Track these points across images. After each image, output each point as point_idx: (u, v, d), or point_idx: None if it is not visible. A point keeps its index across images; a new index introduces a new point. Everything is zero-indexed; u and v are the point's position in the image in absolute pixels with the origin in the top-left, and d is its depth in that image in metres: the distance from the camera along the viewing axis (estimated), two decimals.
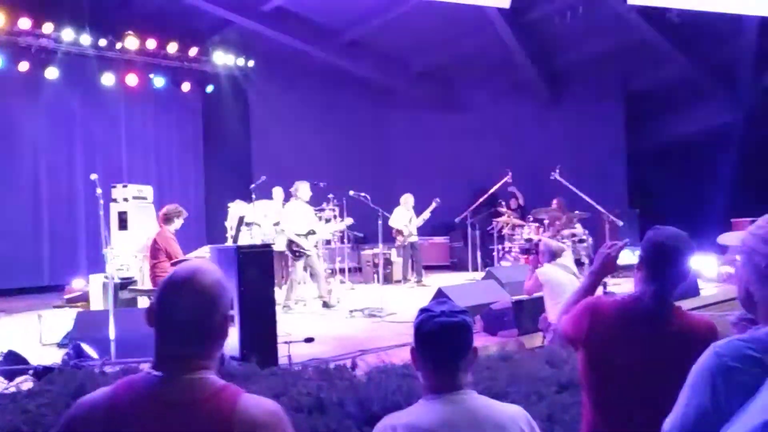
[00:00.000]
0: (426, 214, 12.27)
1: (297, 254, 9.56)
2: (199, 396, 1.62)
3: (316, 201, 10.82)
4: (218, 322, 1.71)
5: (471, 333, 2.16)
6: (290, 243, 9.56)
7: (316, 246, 9.94)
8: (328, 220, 10.94)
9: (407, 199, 12.27)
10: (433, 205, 12.21)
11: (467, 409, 2.05)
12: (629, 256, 3.10)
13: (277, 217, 10.45)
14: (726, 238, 1.92)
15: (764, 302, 1.61)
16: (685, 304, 8.39)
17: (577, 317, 2.68)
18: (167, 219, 7.82)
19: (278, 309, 9.01)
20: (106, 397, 1.64)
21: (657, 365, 2.45)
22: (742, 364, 1.50)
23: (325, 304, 9.53)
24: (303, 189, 9.83)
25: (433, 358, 2.12)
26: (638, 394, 2.48)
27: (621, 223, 10.75)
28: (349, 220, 10.22)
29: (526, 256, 10.97)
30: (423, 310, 2.18)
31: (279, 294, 8.92)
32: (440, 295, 7.55)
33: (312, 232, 9.67)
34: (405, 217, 12.15)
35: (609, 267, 2.89)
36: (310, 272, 9.87)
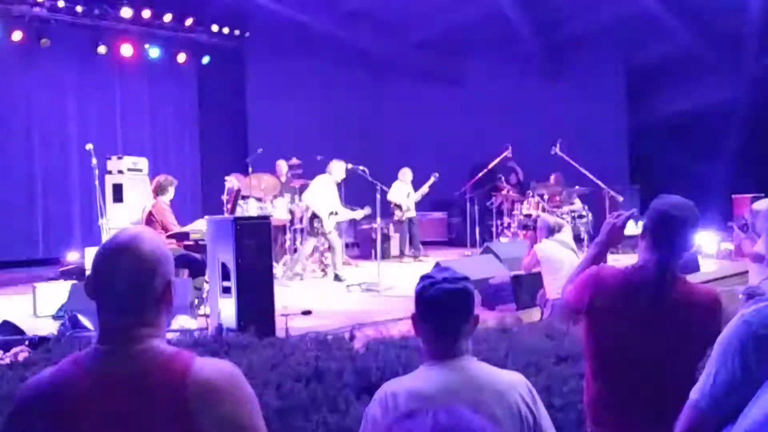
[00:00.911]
0: (424, 189, 12.20)
1: (314, 230, 9.54)
2: (147, 366, 1.54)
3: (312, 174, 10.74)
4: (160, 287, 1.62)
5: (473, 299, 2.16)
6: (312, 217, 9.53)
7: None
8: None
9: (405, 174, 12.19)
10: (432, 179, 12.13)
11: (468, 375, 2.05)
12: (634, 227, 3.04)
13: (273, 190, 10.37)
14: (760, 204, 1.89)
15: None
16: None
17: (580, 286, 2.68)
18: (161, 189, 7.78)
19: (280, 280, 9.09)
20: (51, 376, 1.56)
21: (660, 334, 2.46)
22: None
23: (337, 277, 9.52)
24: (337, 168, 9.83)
25: (434, 324, 2.11)
26: (642, 362, 2.50)
27: (621, 199, 10.70)
28: (367, 210, 10.15)
29: (525, 232, 10.94)
30: (424, 277, 2.16)
31: (275, 267, 8.89)
32: None
33: (334, 213, 9.65)
34: (403, 192, 12.07)
35: (615, 237, 2.86)
36: (328, 246, 9.86)
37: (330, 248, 9.89)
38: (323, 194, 9.69)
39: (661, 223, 2.54)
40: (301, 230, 10.65)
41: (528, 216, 11.08)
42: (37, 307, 7.21)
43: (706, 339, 2.11)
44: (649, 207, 2.63)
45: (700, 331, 2.38)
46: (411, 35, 15.28)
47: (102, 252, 1.63)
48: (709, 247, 10.66)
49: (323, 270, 10.29)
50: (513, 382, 2.07)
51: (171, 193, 7.88)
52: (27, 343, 5.34)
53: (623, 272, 2.63)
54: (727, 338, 1.54)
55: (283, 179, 11.02)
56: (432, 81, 15.99)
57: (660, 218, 2.55)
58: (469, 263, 9.34)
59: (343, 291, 8.89)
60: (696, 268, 9.31)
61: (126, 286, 1.58)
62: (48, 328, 6.17)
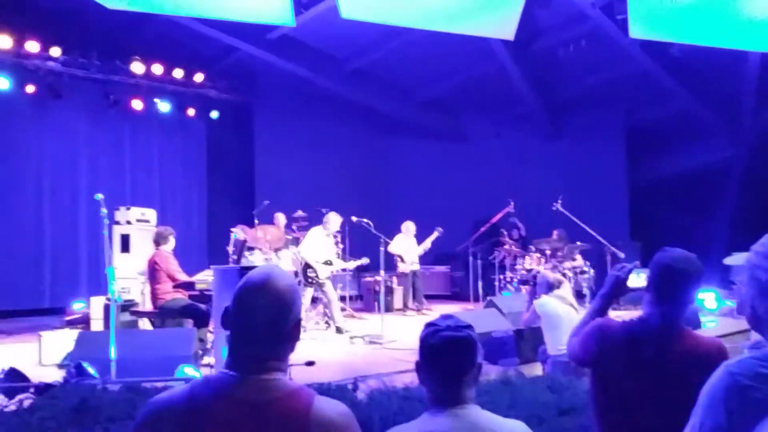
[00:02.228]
0: (427, 243, 12.29)
1: (309, 281, 9.60)
2: (274, 396, 1.68)
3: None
4: (292, 325, 1.78)
5: (476, 348, 2.19)
6: (305, 268, 9.59)
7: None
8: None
9: (408, 227, 12.30)
10: (435, 234, 12.23)
11: (471, 422, 2.07)
12: (637, 279, 3.11)
13: (279, 242, 10.48)
14: (732, 259, 1.95)
15: None
16: None
17: (585, 340, 2.72)
18: (162, 239, 7.90)
19: None
20: (185, 394, 1.69)
21: (666, 387, 2.47)
22: (756, 382, 1.51)
23: (339, 330, 9.53)
24: (333, 220, 9.97)
25: (438, 372, 2.14)
26: (648, 416, 2.50)
27: (622, 255, 10.76)
28: (365, 260, 10.24)
29: (525, 287, 10.98)
30: (429, 325, 2.21)
31: None
32: None
33: (329, 263, 9.73)
34: (406, 245, 12.17)
35: (618, 289, 2.91)
36: (322, 300, 9.93)
37: (329, 301, 9.92)
38: (316, 245, 9.78)
39: (665, 276, 2.58)
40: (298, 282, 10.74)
41: (529, 271, 11.14)
42: (43, 355, 7.24)
43: None
44: (652, 260, 2.66)
45: (706, 382, 2.41)
46: (415, 94, 15.57)
47: (243, 288, 1.77)
48: (710, 304, 10.67)
49: (327, 322, 10.32)
50: (515, 430, 2.10)
51: (172, 242, 7.99)
52: (32, 390, 5.36)
53: (628, 325, 2.66)
54: (711, 388, 1.57)
55: (281, 231, 11.13)
56: (436, 138, 16.25)
57: (664, 271, 2.59)
58: (471, 317, 9.33)
59: (346, 343, 8.90)
60: (697, 324, 9.31)
61: (264, 322, 1.73)
62: (53, 376, 6.19)
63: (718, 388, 1.55)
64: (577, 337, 2.80)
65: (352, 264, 10.41)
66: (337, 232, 11.15)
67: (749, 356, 1.58)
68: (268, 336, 1.73)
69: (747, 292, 1.68)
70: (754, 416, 1.46)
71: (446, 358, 2.13)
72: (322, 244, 9.85)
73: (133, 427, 1.71)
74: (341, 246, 11.26)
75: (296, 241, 11.01)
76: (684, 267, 2.57)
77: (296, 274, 10.32)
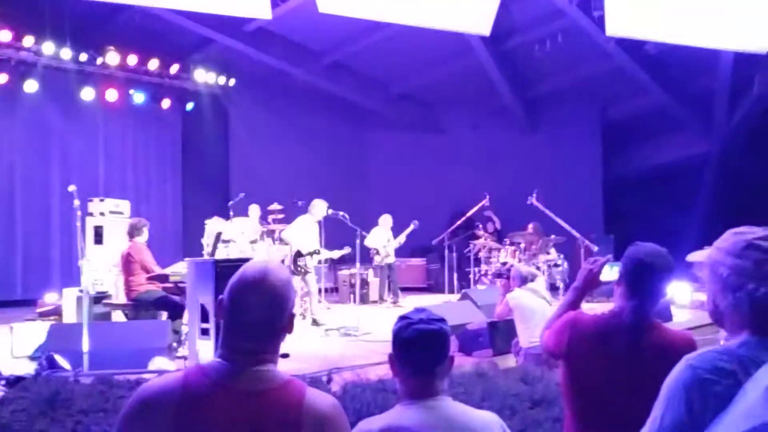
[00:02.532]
0: (402, 237, 12.33)
1: (299, 270, 9.56)
2: (268, 387, 1.71)
3: (294, 219, 10.83)
4: (286, 319, 1.81)
5: (448, 340, 2.20)
6: (296, 257, 9.56)
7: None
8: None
9: (386, 220, 12.34)
10: (411, 227, 12.27)
11: (443, 414, 2.09)
12: (610, 273, 3.14)
13: (254, 234, 10.43)
14: (694, 256, 1.98)
15: (730, 313, 1.66)
16: None
17: (558, 332, 2.74)
18: (136, 231, 7.86)
19: None
20: (179, 380, 1.71)
21: (636, 380, 2.48)
22: (716, 375, 1.54)
23: (315, 322, 9.52)
24: (318, 206, 9.89)
25: (410, 364, 2.16)
26: (618, 408, 2.51)
27: (596, 248, 10.87)
28: (347, 249, 10.23)
29: (499, 280, 11.04)
30: (402, 318, 2.23)
31: None
32: None
33: (317, 252, 9.70)
34: (383, 238, 12.20)
35: (591, 282, 2.95)
36: (305, 289, 9.90)
37: (308, 293, 9.91)
38: (304, 233, 9.76)
39: (637, 271, 2.61)
40: None
41: (503, 264, 11.21)
42: (15, 347, 7.15)
43: None
44: (624, 255, 2.70)
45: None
46: (392, 87, 15.61)
47: (239, 283, 1.80)
48: (681, 297, 10.80)
49: (302, 314, 10.30)
50: (487, 421, 2.12)
51: (146, 234, 7.94)
52: (3, 382, 5.32)
53: (600, 318, 2.69)
54: (672, 382, 1.60)
55: (256, 223, 11.08)
56: (412, 131, 16.28)
57: (635, 265, 2.62)
58: (447, 309, 9.40)
59: (321, 335, 8.90)
60: (669, 317, 9.41)
61: (260, 318, 1.76)
62: (25, 368, 6.13)
63: (678, 382, 1.58)
64: (550, 330, 2.83)
65: (337, 253, 10.40)
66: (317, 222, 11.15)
67: (709, 350, 1.61)
68: (262, 330, 1.76)
69: (708, 288, 1.72)
70: (714, 409, 1.49)
71: (419, 351, 2.14)
72: (308, 233, 9.80)
73: (123, 415, 1.71)
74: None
75: (271, 234, 10.98)
76: (655, 261, 2.61)
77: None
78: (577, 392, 2.68)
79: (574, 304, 2.93)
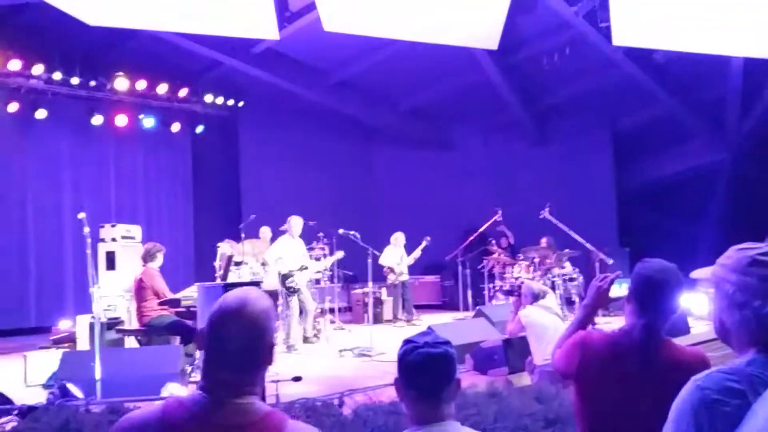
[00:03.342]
0: (417, 253, 12.29)
1: (290, 290, 9.53)
2: (247, 420, 1.70)
3: (306, 240, 10.83)
4: (265, 350, 1.78)
5: (454, 364, 2.18)
6: (284, 279, 9.52)
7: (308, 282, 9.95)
8: (318, 259, 10.91)
9: (398, 238, 12.30)
10: (424, 243, 12.23)
11: None
12: (620, 290, 3.10)
13: (266, 256, 10.43)
14: (698, 273, 1.95)
15: (736, 331, 1.64)
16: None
17: (568, 351, 2.72)
18: (149, 256, 7.89)
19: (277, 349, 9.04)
20: (157, 414, 1.70)
21: (648, 398, 2.46)
22: (724, 396, 1.52)
23: (306, 340, 9.48)
24: (295, 223, 9.87)
25: (416, 389, 2.14)
26: (630, 427, 2.49)
27: (611, 261, 10.79)
28: (340, 254, 10.21)
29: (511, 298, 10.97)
30: (407, 341, 2.21)
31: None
32: None
33: (304, 268, 9.67)
34: (396, 256, 12.17)
35: (601, 300, 2.92)
36: (299, 309, 9.85)
37: (301, 312, 9.83)
38: (283, 253, 9.69)
39: (646, 288, 2.59)
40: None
41: (516, 279, 11.15)
42: (28, 375, 7.16)
43: None
44: (632, 272, 2.67)
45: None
46: (400, 104, 15.63)
47: (218, 312, 1.78)
48: (699, 309, 10.66)
49: (316, 335, 10.26)
50: None
51: (160, 259, 7.95)
52: (16, 412, 5.30)
53: (611, 336, 2.68)
54: (681, 403, 1.58)
55: (267, 245, 11.07)
56: (422, 147, 16.29)
57: (644, 283, 2.60)
58: (461, 327, 9.36)
59: (335, 356, 8.86)
60: (686, 330, 9.31)
61: (238, 348, 1.74)
62: (38, 397, 6.13)
63: (686, 403, 1.57)
64: (561, 349, 2.80)
65: (330, 260, 10.37)
66: (326, 243, 11.13)
67: (717, 370, 1.59)
68: (242, 361, 1.73)
69: (714, 305, 1.71)
70: (723, 430, 1.47)
71: (424, 375, 2.12)
72: (290, 251, 9.74)
73: None
74: (325, 252, 11.16)
75: None
76: (664, 277, 2.59)
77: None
78: (589, 412, 2.66)
79: (584, 322, 2.91)
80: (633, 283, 2.65)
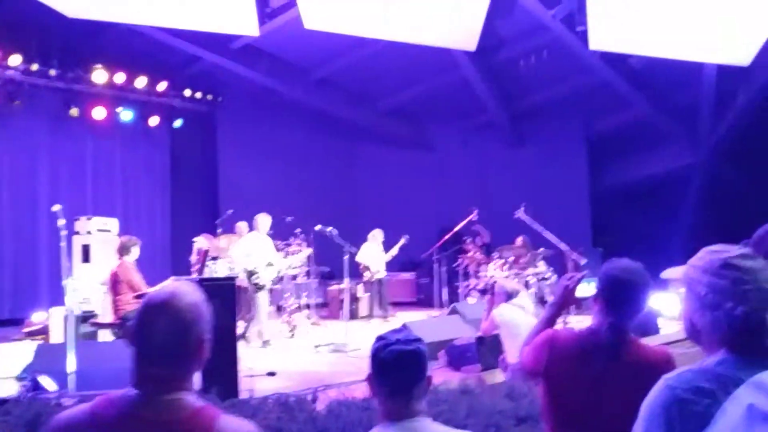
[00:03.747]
0: (394, 251, 12.36)
1: (257, 286, 9.52)
2: (176, 417, 1.67)
3: (283, 236, 10.85)
4: (194, 344, 1.75)
5: (425, 361, 2.22)
6: (250, 275, 9.51)
7: (280, 279, 9.92)
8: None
9: (376, 235, 12.34)
10: (402, 241, 12.31)
11: None
12: (587, 289, 3.16)
13: (231, 252, 10.43)
14: (669, 273, 1.99)
15: (707, 332, 1.66)
16: (646, 342, 8.52)
17: (536, 350, 2.75)
18: (125, 250, 7.86)
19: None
20: (87, 413, 1.68)
21: (614, 397, 2.50)
22: (695, 395, 1.54)
23: (242, 336, 9.33)
24: (262, 221, 9.84)
25: (388, 385, 2.18)
26: (597, 426, 2.54)
27: (584, 261, 10.91)
28: (308, 251, 10.20)
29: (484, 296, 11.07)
30: (379, 338, 2.25)
31: (242, 327, 8.93)
32: None
33: (270, 264, 9.65)
34: (373, 253, 12.21)
35: (568, 298, 2.97)
36: (294, 305, 9.87)
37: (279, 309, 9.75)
38: (249, 250, 9.65)
39: (613, 287, 2.62)
40: (271, 291, 10.73)
41: (489, 278, 11.24)
42: (1, 367, 7.13)
43: None
44: (600, 272, 2.71)
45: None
46: (379, 103, 15.65)
47: (144, 306, 1.77)
48: (669, 309, 10.81)
49: (291, 331, 10.30)
50: None
51: (135, 253, 7.93)
52: None
53: (578, 335, 2.71)
54: (651, 402, 1.60)
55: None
56: (400, 146, 16.36)
57: (611, 282, 2.63)
58: (435, 324, 9.44)
59: (310, 352, 8.90)
60: (656, 330, 9.46)
61: (163, 341, 1.71)
62: (11, 389, 6.10)
63: (657, 402, 1.59)
64: (528, 347, 2.84)
65: (299, 258, 10.35)
66: (303, 239, 11.13)
67: (687, 369, 1.62)
68: (169, 355, 1.71)
69: (685, 306, 1.73)
70: (693, 430, 1.49)
71: (395, 372, 2.16)
72: (257, 248, 9.69)
73: None
74: (302, 248, 11.13)
75: None
76: (631, 278, 2.62)
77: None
78: (556, 410, 2.69)
79: (550, 321, 2.94)
80: (600, 282, 2.68)
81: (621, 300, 2.62)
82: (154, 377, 1.70)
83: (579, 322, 9.70)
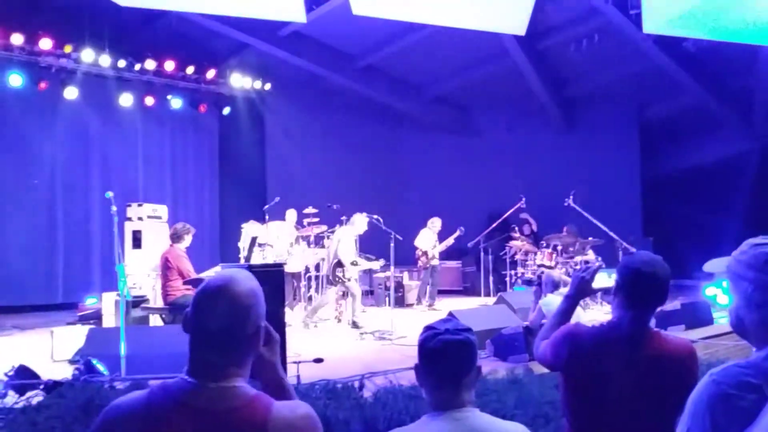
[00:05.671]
0: (449, 241, 12.35)
1: (337, 279, 9.61)
2: (232, 405, 1.65)
3: (329, 223, 10.91)
4: (250, 331, 1.73)
5: (475, 350, 2.18)
6: (335, 267, 9.60)
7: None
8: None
9: (435, 223, 12.33)
10: (457, 233, 12.28)
11: (469, 426, 2.06)
12: (604, 279, 3.08)
13: (290, 238, 10.51)
14: (711, 265, 1.92)
15: (754, 327, 1.63)
16: (699, 333, 8.36)
17: (556, 345, 2.70)
18: (177, 237, 7.97)
19: (296, 327, 9.21)
20: (143, 401, 1.67)
21: (637, 391, 2.47)
22: (740, 390, 1.51)
23: (355, 324, 9.55)
24: (359, 221, 9.95)
25: (436, 375, 2.14)
26: (619, 420, 2.50)
27: (634, 250, 10.71)
28: (382, 261, 10.26)
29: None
30: (428, 328, 2.20)
31: (289, 314, 9.00)
32: None
33: (355, 263, 9.75)
34: (431, 240, 12.20)
35: (584, 290, 2.92)
36: (343, 293, 10.02)
37: (348, 295, 9.97)
38: (349, 246, 9.81)
39: (634, 281, 2.56)
40: (317, 278, 10.78)
41: (537, 267, 11.12)
42: (55, 351, 7.28)
43: (683, 392, 1.94)
44: (619, 264, 2.67)
45: (676, 385, 2.35)
46: (427, 90, 15.59)
47: (201, 292, 1.74)
48: (723, 299, 10.58)
49: (338, 318, 10.35)
50: None
51: (187, 240, 8.03)
52: (42, 387, 5.40)
53: (598, 329, 2.66)
54: (697, 397, 1.57)
55: (293, 228, 11.13)
56: (447, 133, 16.26)
57: (633, 275, 2.58)
58: (482, 313, 9.36)
59: (356, 339, 8.92)
60: (711, 320, 9.26)
61: (219, 328, 1.68)
62: (64, 372, 6.23)
63: (703, 397, 1.56)
64: (547, 342, 2.78)
65: (376, 264, 10.43)
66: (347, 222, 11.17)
67: (734, 364, 1.58)
68: (225, 342, 1.69)
69: (733, 301, 1.69)
70: (739, 425, 1.46)
71: (444, 361, 2.12)
72: (351, 244, 9.87)
73: (92, 430, 1.70)
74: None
75: (307, 238, 11.03)
76: (652, 271, 2.57)
77: (306, 269, 10.35)
78: (577, 405, 2.65)
79: (566, 313, 2.90)
80: (621, 275, 2.62)
81: (642, 293, 2.57)
82: (209, 364, 1.67)
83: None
